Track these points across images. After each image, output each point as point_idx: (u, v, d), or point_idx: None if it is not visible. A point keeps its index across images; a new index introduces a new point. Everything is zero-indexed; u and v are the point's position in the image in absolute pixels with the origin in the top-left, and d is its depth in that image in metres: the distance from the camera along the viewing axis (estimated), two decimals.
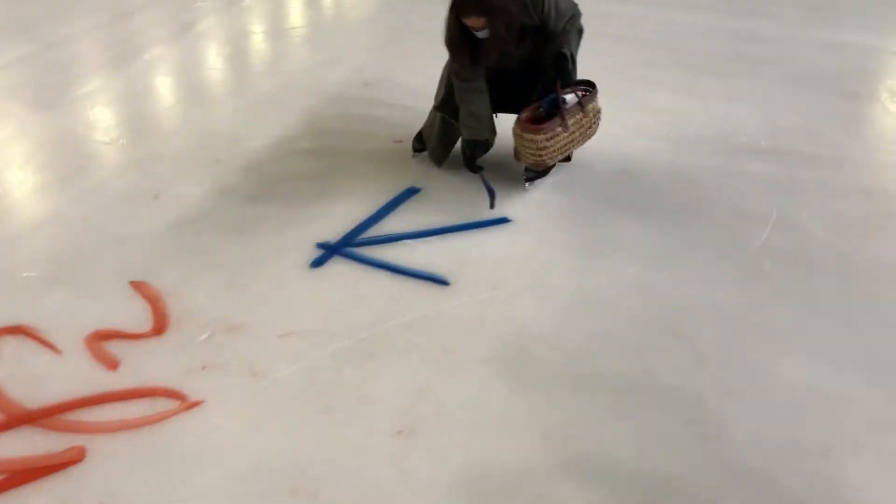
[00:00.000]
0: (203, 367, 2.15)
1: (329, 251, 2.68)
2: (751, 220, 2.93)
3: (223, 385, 2.09)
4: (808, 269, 2.64)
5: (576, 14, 2.97)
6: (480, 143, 3.11)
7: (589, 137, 3.07)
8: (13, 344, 2.22)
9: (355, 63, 4.57)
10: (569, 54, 2.94)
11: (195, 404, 2.03)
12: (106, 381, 2.09)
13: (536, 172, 3.14)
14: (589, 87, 3.02)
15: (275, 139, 3.52)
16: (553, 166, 3.17)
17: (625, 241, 2.78)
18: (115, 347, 2.22)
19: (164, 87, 4.34)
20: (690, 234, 2.84)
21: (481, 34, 2.77)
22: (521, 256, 2.70)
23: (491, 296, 2.48)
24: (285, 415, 2.00)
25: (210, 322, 2.32)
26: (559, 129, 2.90)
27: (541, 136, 2.89)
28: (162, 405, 2.02)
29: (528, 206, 3.01)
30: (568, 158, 3.19)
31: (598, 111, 3.04)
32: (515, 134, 2.96)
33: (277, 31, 5.51)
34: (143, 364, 2.16)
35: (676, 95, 4.14)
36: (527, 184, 3.13)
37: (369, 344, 2.26)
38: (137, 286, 2.47)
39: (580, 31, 3.00)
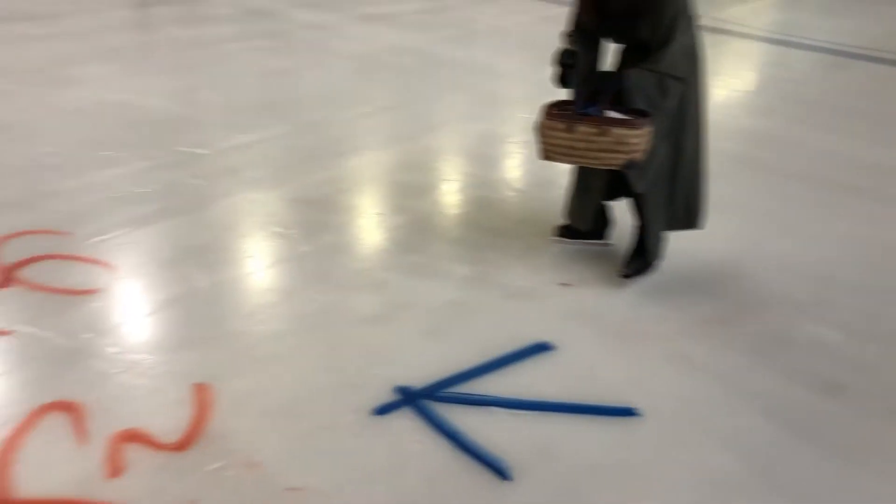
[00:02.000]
0: (191, 503, 1.95)
1: (403, 402, 2.35)
2: None
3: None
4: None
5: (670, 61, 2.65)
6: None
7: (606, 165, 2.75)
8: (57, 419, 2.22)
9: None
10: (631, 82, 2.66)
11: None
12: (97, 486, 1.98)
13: (635, 269, 3.06)
14: (640, 116, 2.67)
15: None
16: (649, 268, 3.06)
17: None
18: (135, 452, 2.11)
19: None
20: None
21: None
22: (639, 469, 2.12)
23: None
24: None
25: (235, 450, 2.12)
26: (561, 125, 2.69)
27: (543, 120, 2.75)
28: None
29: (665, 395, 2.40)
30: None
31: (626, 143, 2.65)
32: None
33: None
34: (143, 475, 2.02)
35: None
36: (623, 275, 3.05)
37: None
38: (199, 390, 2.36)
39: (662, 77, 2.65)
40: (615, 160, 2.72)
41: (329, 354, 2.56)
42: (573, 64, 2.78)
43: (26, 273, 2.96)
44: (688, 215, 3.04)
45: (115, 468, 2.05)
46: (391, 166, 4.22)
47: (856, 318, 2.89)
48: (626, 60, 2.84)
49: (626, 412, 2.34)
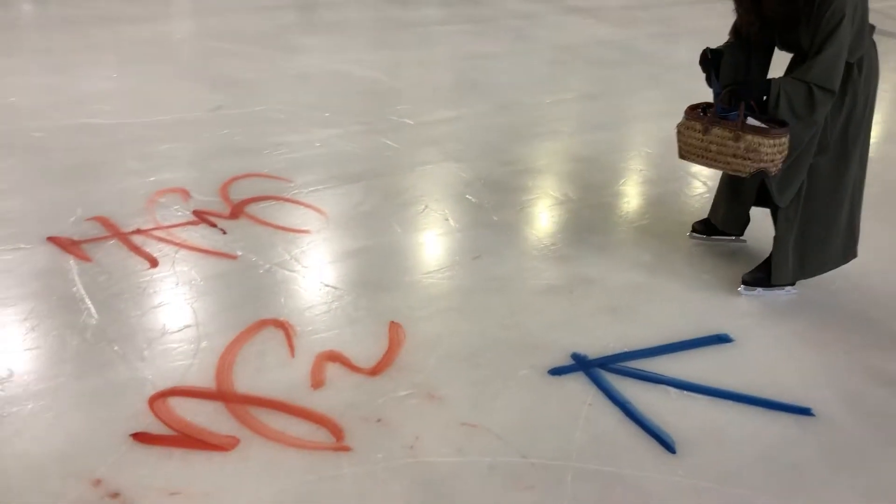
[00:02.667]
0: (378, 421, 2.17)
1: (577, 367, 2.46)
2: None
3: (378, 443, 2.08)
4: None
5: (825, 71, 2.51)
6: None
7: (735, 171, 2.70)
8: (271, 334, 2.53)
9: None
10: (774, 90, 2.56)
11: (343, 448, 2.06)
12: (303, 394, 2.25)
13: (759, 279, 2.93)
14: (778, 126, 2.60)
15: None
16: (783, 286, 2.92)
17: None
18: (334, 370, 2.37)
19: None
20: None
21: None
22: (806, 469, 2.11)
23: (710, 487, 2.00)
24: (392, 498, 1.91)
25: (420, 384, 2.33)
26: (698, 126, 2.73)
27: (682, 120, 2.81)
28: (321, 436, 2.10)
29: (843, 402, 2.35)
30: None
31: (757, 153, 2.60)
32: None
33: None
34: (341, 391, 2.27)
35: None
36: (742, 287, 2.95)
37: (534, 472, 2.01)
38: (394, 328, 2.60)
39: (811, 88, 2.51)
40: (745, 167, 2.66)
41: (511, 315, 2.72)
42: (714, 65, 2.79)
43: (253, 209, 3.34)
44: (846, 248, 2.92)
45: (317, 381, 2.32)
46: (581, 152, 4.30)
47: None
48: (791, 69, 2.73)
49: (802, 411, 2.32)
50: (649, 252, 3.20)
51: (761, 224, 3.18)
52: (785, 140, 2.63)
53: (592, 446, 2.12)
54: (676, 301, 2.87)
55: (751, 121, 2.64)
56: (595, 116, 4.99)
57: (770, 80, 2.64)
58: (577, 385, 2.38)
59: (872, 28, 2.65)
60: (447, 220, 3.39)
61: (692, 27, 7.75)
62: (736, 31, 2.82)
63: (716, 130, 2.69)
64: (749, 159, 2.64)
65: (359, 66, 5.57)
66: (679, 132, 2.82)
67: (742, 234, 3.29)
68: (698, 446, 2.15)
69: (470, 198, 3.61)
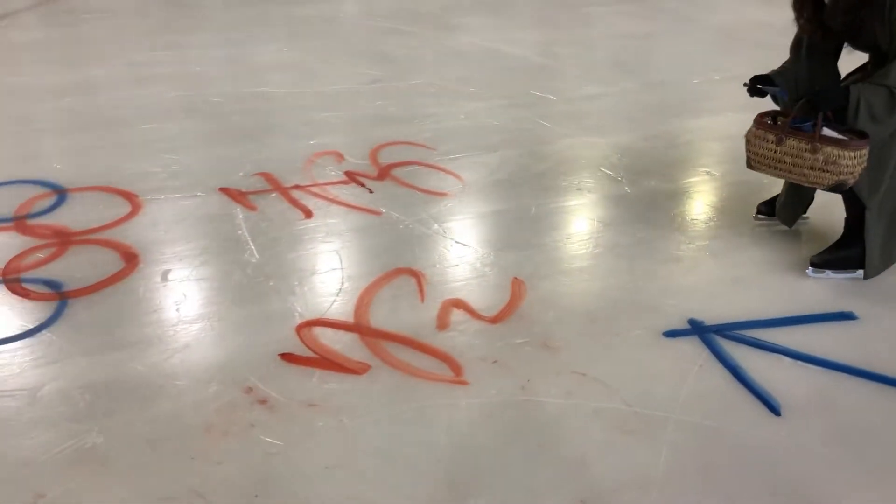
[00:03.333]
0: (494, 362, 2.36)
1: (692, 331, 2.53)
2: None
3: (493, 382, 2.27)
4: None
5: None
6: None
7: (810, 182, 2.66)
8: (405, 281, 2.78)
9: None
10: (853, 97, 2.49)
11: (461, 382, 2.27)
12: (429, 333, 2.48)
13: (829, 261, 2.85)
14: (856, 137, 2.54)
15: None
16: (853, 269, 2.83)
17: None
18: (458, 315, 2.58)
19: None
20: None
21: None
22: None
23: (811, 449, 2.04)
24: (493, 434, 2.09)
25: (536, 333, 2.49)
26: (771, 136, 2.67)
27: (752, 128, 2.75)
28: (442, 370, 2.32)
29: None
30: None
31: (836, 164, 2.54)
32: None
33: None
34: (463, 334, 2.48)
35: None
36: (810, 269, 2.87)
37: (637, 419, 2.13)
38: (516, 283, 2.77)
39: (891, 97, 2.40)
40: (823, 180, 2.58)
41: (632, 280, 2.82)
42: (764, 90, 2.76)
43: (398, 172, 3.61)
44: None
45: (442, 324, 2.54)
46: (725, 132, 4.26)
47: None
48: (870, 70, 2.62)
49: None
50: (779, 232, 3.17)
51: (827, 202, 3.10)
52: (865, 152, 2.55)
53: (697, 402, 2.21)
54: (800, 279, 2.85)
55: (826, 131, 2.56)
56: (744, 97, 4.89)
57: (848, 86, 2.54)
58: (690, 348, 2.46)
59: None
60: (580, 189, 3.51)
61: None
62: (796, 45, 2.77)
63: (790, 141, 2.62)
64: (828, 171, 2.57)
65: (512, 45, 5.74)
66: (748, 141, 2.76)
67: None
68: (805, 411, 2.19)
69: (606, 171, 3.70)
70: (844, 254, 2.85)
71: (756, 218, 3.26)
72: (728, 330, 2.54)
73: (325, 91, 4.71)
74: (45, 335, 2.43)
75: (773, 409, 2.19)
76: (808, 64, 2.76)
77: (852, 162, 2.56)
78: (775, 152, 2.68)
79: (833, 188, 2.64)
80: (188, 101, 4.43)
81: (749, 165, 2.82)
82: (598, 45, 6.01)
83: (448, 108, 4.45)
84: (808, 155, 2.60)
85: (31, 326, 2.47)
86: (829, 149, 2.56)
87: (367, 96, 4.65)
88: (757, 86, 2.79)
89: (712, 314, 2.61)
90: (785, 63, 2.86)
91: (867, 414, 2.19)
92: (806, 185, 2.71)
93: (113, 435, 2.04)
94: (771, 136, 2.68)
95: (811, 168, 2.61)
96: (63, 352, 2.36)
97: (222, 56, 5.33)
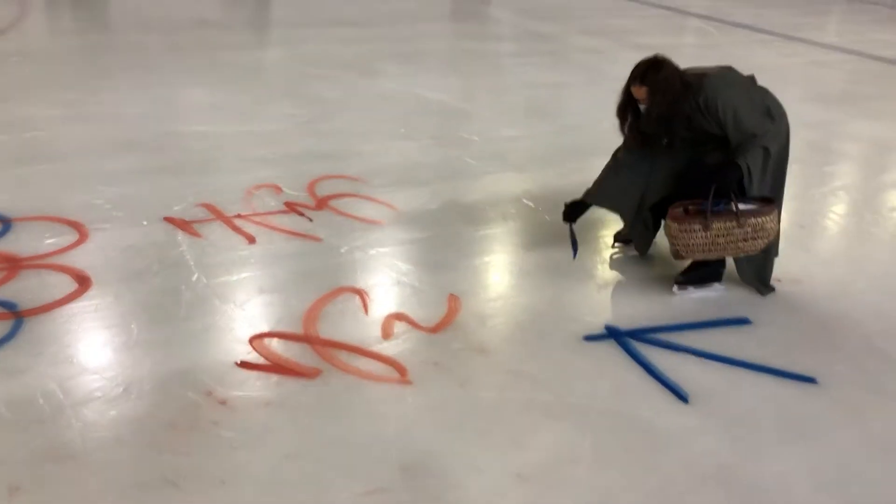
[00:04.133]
0: (435, 364, 2.60)
1: (608, 335, 2.84)
2: None
3: (434, 381, 2.50)
4: None
5: (761, 134, 2.88)
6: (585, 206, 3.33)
7: (744, 252, 2.98)
8: (349, 298, 2.99)
9: None
10: (743, 166, 2.82)
11: (406, 382, 2.50)
12: (374, 342, 2.70)
13: (690, 277, 3.15)
14: (765, 203, 2.92)
15: None
16: (711, 283, 3.18)
17: None
18: (401, 327, 2.81)
19: None
20: None
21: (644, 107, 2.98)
22: (809, 431, 2.44)
23: (716, 428, 2.35)
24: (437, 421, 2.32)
25: (472, 340, 2.75)
26: (697, 226, 2.88)
27: (674, 225, 2.91)
28: (388, 372, 2.54)
29: (848, 378, 2.66)
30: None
31: (764, 230, 2.90)
32: (665, 219, 3.01)
33: None
34: (406, 342, 2.71)
35: None
36: (675, 287, 3.16)
37: (565, 408, 2.40)
38: (452, 298, 3.03)
39: (766, 150, 2.83)
40: (756, 246, 2.93)
41: (553, 295, 3.12)
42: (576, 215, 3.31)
43: (335, 203, 3.84)
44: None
45: (386, 334, 2.77)
46: None
47: None
48: (707, 147, 3.02)
49: (807, 379, 2.64)
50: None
51: None
52: (777, 210, 2.94)
53: (615, 393, 2.50)
54: (705, 292, 3.22)
55: (742, 205, 2.87)
56: None
57: (734, 163, 2.87)
58: (608, 349, 2.76)
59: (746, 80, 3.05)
60: (504, 218, 3.82)
61: (759, 66, 8.05)
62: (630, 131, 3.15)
63: (717, 224, 2.85)
64: (759, 238, 2.90)
65: (433, 91, 6.09)
66: (674, 237, 2.92)
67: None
68: (710, 398, 2.51)
69: (527, 202, 4.03)
70: (702, 272, 3.18)
71: (613, 247, 3.53)
72: (640, 334, 2.86)
73: (258, 130, 4.91)
74: (4, 350, 2.53)
75: (682, 398, 2.50)
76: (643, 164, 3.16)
77: (773, 223, 2.92)
78: (705, 238, 2.88)
79: (764, 250, 3.01)
80: (124, 138, 4.56)
81: (678, 257, 3.03)
82: (513, 92, 6.43)
83: (378, 145, 4.72)
84: (737, 230, 2.87)
85: None
86: (752, 220, 2.87)
87: (299, 135, 4.87)
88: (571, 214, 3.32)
89: (625, 321, 2.93)
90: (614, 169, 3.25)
91: (763, 399, 2.53)
92: (741, 255, 3.01)
93: (81, 434, 2.17)
94: (697, 226, 2.88)
95: (743, 240, 2.90)
96: (25, 364, 2.46)
97: (156, 97, 5.46)
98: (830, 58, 8.57)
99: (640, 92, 2.97)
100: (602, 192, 3.29)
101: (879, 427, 2.45)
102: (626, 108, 3.09)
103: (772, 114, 2.96)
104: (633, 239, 3.45)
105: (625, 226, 3.44)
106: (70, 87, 5.60)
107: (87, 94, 5.44)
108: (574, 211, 3.36)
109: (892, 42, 9.71)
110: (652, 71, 2.95)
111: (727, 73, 3.05)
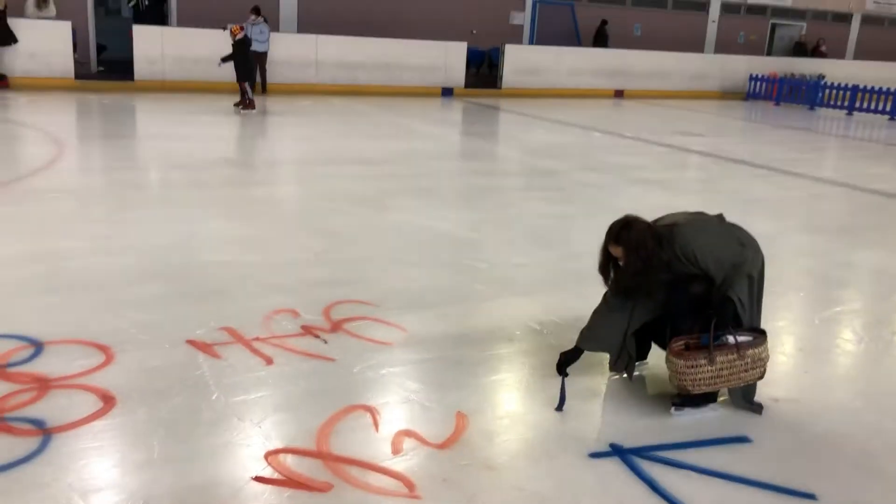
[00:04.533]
0: (443, 480, 2.69)
1: (613, 453, 2.93)
2: None
3: (443, 496, 2.59)
4: None
5: (739, 263, 3.09)
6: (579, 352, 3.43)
7: (745, 381, 3.14)
8: (360, 415, 3.11)
9: None
10: (735, 299, 2.99)
11: (415, 496, 2.59)
12: (384, 458, 2.80)
13: (686, 399, 3.22)
14: (758, 334, 3.10)
15: None
16: (707, 403, 3.26)
17: None
18: (410, 443, 2.92)
19: None
20: None
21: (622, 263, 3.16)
22: None
23: None
24: None
25: (479, 457, 2.84)
26: (703, 361, 3.02)
27: (680, 362, 3.05)
28: (394, 486, 2.63)
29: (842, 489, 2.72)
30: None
31: (761, 359, 3.10)
32: (667, 354, 3.15)
33: None
34: (415, 457, 2.81)
35: None
36: (673, 409, 3.25)
37: None
38: (460, 416, 3.14)
39: (750, 277, 3.01)
40: (755, 375, 3.13)
41: (560, 416, 3.23)
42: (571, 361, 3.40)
43: (348, 326, 4.01)
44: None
45: (396, 449, 2.87)
46: None
47: None
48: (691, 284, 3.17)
49: (807, 495, 2.71)
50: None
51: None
52: (766, 338, 3.13)
53: None
54: (706, 409, 3.32)
55: (739, 338, 3.06)
56: None
57: (725, 297, 3.08)
58: (613, 466, 2.85)
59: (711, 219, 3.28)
60: (511, 340, 3.98)
61: (757, 198, 8.39)
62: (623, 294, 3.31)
63: (720, 358, 3.02)
64: (757, 368, 3.12)
65: (443, 222, 6.39)
66: (682, 374, 3.06)
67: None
68: None
69: (533, 325, 4.19)
70: (697, 395, 3.24)
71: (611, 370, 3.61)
72: (643, 452, 2.95)
73: (277, 260, 5.16)
74: (32, 464, 2.65)
75: None
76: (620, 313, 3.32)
77: (768, 352, 3.13)
78: (711, 371, 3.04)
79: (760, 377, 3.17)
80: (150, 268, 4.80)
81: (685, 392, 3.16)
82: (520, 223, 6.72)
83: (390, 272, 4.95)
84: (738, 362, 3.06)
85: (18, 458, 2.68)
86: (751, 351, 3.07)
87: (314, 264, 5.11)
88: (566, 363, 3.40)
89: (629, 439, 3.02)
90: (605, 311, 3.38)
91: None
92: (742, 384, 3.17)
93: None
94: (702, 361, 3.03)
95: (744, 371, 3.10)
96: (52, 477, 2.57)
97: (179, 229, 5.76)
98: (828, 191, 8.93)
99: (616, 251, 3.19)
100: (594, 337, 3.42)
101: None
102: (607, 265, 3.29)
103: (743, 242, 3.16)
104: (618, 370, 3.56)
105: (611, 358, 3.53)
106: (99, 220, 5.93)
107: (114, 228, 5.75)
108: (569, 360, 3.45)
109: (886, 175, 10.09)
110: (624, 231, 3.16)
111: (695, 218, 3.27)
